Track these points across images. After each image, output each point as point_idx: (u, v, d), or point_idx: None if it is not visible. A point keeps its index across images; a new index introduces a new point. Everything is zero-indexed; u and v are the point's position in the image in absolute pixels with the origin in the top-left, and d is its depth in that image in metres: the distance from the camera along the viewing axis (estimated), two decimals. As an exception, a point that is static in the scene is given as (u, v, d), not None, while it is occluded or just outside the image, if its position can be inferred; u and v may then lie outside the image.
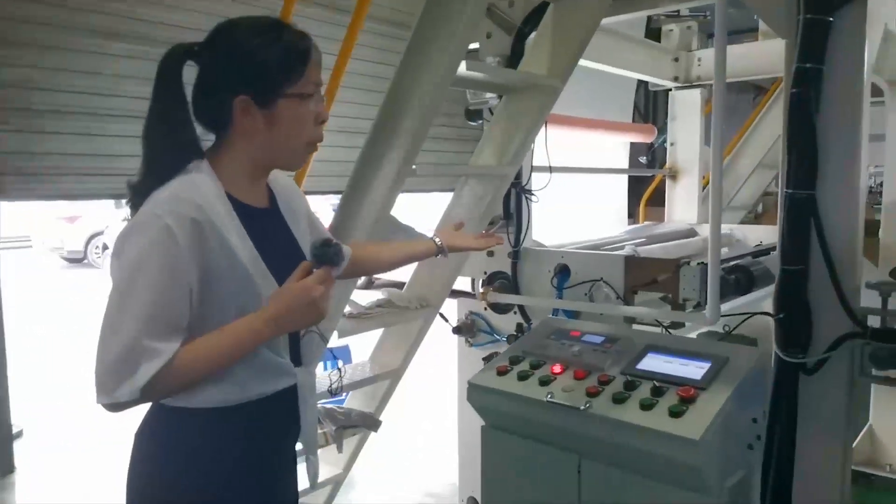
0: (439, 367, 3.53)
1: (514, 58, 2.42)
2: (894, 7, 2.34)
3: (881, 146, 3.03)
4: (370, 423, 2.49)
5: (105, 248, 12.26)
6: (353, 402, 2.64)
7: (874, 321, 1.90)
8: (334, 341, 2.25)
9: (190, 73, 1.26)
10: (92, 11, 2.17)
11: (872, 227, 2.75)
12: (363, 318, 2.26)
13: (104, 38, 2.21)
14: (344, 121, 2.47)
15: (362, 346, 2.78)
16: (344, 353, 3.61)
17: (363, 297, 2.37)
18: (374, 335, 2.55)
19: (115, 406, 1.13)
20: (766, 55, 3.41)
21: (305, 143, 1.29)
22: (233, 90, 1.21)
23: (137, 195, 1.21)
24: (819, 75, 1.83)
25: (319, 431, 2.33)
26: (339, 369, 2.27)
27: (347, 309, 2.21)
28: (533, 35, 2.35)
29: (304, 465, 1.49)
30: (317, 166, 2.26)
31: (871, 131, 1.90)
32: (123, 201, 1.30)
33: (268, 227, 1.32)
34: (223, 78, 1.23)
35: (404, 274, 2.50)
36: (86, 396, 1.27)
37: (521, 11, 2.41)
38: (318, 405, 2.35)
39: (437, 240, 1.77)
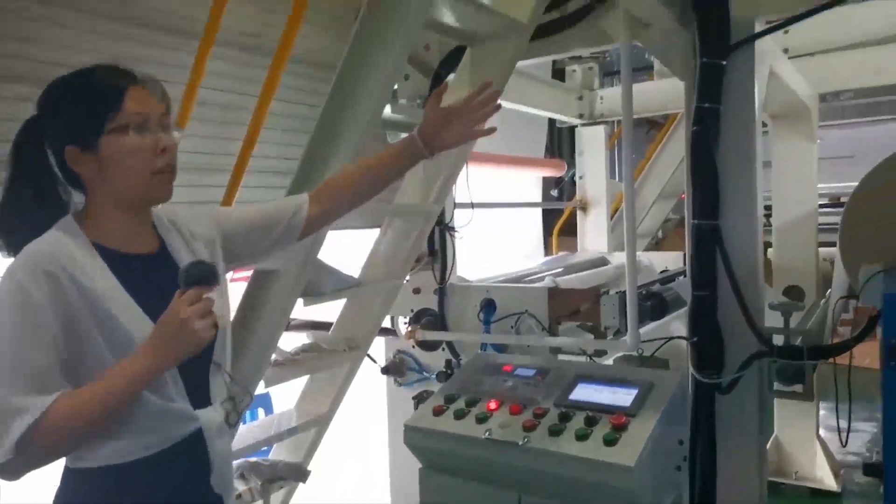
0: (362, 407, 3.45)
1: (432, 98, 2.47)
2: (776, 49, 2.59)
3: (768, 172, 3.31)
4: (298, 474, 2.39)
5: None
6: (278, 452, 2.53)
7: (778, 339, 2.05)
8: (261, 389, 2.16)
9: None
10: (-16, 52, 2.03)
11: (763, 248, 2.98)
12: (290, 365, 2.18)
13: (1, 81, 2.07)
14: (265, 161, 2.42)
15: (287, 391, 2.68)
16: (264, 402, 3.46)
17: (288, 343, 2.30)
18: (300, 380, 2.47)
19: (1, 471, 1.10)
20: (662, 93, 3.67)
21: (150, 173, 1.27)
22: (62, 144, 1.24)
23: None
24: (716, 114, 1.99)
25: (244, 487, 2.21)
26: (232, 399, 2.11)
27: (273, 356, 2.13)
28: (451, 77, 2.41)
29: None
30: (239, 208, 2.19)
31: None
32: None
33: (152, 271, 1.29)
34: (51, 136, 1.26)
35: (331, 314, 2.45)
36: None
37: (437, 55, 2.47)
38: (243, 459, 2.24)
39: (417, 139, 1.48)
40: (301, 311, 2.19)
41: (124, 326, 1.20)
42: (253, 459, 2.37)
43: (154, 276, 1.29)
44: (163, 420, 1.24)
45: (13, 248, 1.23)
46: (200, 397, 1.31)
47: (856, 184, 2.62)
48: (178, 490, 1.27)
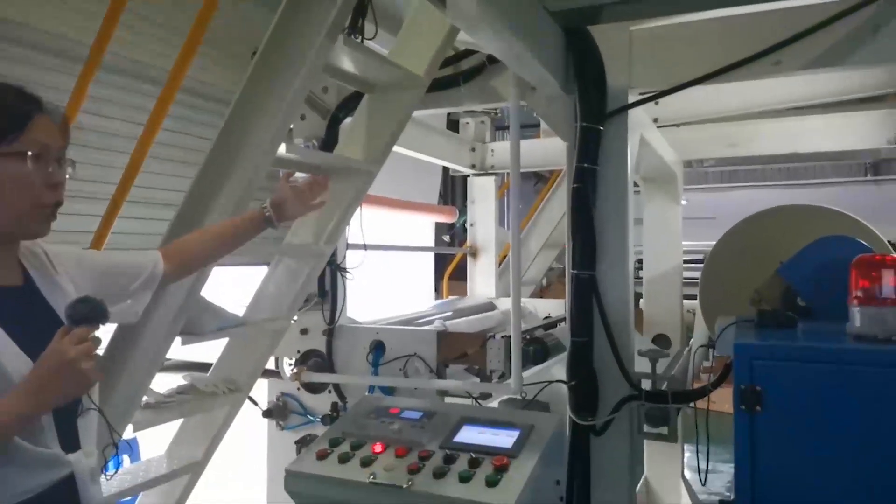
0: (238, 449, 3.28)
1: (328, 140, 2.50)
2: (647, 118, 2.85)
3: (641, 229, 3.59)
4: (167, 524, 2.24)
5: None
6: (146, 501, 2.35)
7: (647, 384, 2.20)
8: (128, 434, 2.02)
9: None
10: None
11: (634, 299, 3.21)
12: (162, 408, 2.06)
13: None
14: (147, 192, 2.32)
15: (157, 437, 2.51)
16: (130, 449, 3.21)
17: (162, 384, 2.17)
18: (172, 425, 2.32)
19: None
20: (548, 150, 3.92)
21: (30, 206, 1.21)
22: None
23: None
24: (594, 174, 2.15)
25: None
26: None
27: (144, 398, 2.01)
28: (348, 120, 2.45)
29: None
30: (116, 238, 2.09)
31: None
32: None
33: (20, 305, 1.22)
34: None
35: (212, 354, 2.35)
36: None
37: (334, 97, 2.51)
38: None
39: (265, 209, 1.69)
40: (179, 349, 2.09)
41: (1, 364, 1.12)
42: (117, 511, 2.19)
43: (23, 308, 1.22)
44: (34, 466, 1.16)
45: None
46: (69, 440, 1.23)
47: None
48: None
